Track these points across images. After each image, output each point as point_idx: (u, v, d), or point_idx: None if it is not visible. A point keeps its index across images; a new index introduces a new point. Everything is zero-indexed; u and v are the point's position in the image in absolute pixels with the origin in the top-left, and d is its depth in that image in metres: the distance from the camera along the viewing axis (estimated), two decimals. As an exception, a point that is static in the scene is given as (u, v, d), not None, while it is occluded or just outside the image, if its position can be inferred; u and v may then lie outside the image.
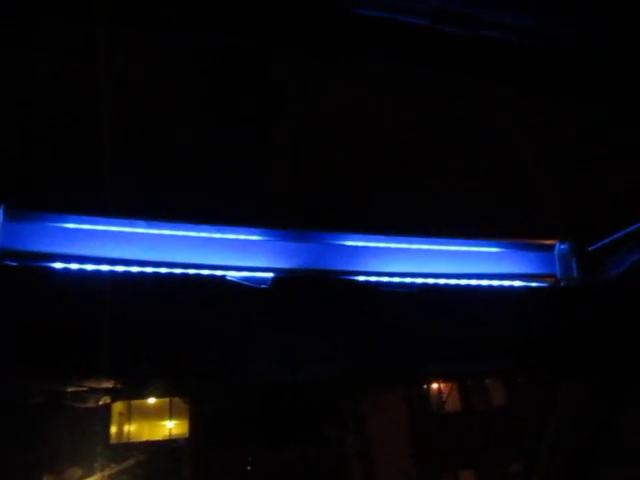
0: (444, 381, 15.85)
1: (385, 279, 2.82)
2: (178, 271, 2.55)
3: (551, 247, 3.17)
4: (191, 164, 2.72)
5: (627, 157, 3.17)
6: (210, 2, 2.33)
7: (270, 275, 2.64)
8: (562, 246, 3.17)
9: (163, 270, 2.53)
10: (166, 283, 2.52)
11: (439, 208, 3.07)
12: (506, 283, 3.06)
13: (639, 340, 3.10)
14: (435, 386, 16.43)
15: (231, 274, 2.60)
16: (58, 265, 2.40)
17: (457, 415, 16.19)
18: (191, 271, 2.57)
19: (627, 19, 2.40)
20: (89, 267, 2.44)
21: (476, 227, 3.08)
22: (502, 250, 3.12)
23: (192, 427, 14.72)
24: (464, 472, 15.74)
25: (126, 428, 17.60)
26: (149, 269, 2.52)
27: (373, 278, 2.82)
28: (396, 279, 2.84)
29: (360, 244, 2.88)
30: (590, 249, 3.17)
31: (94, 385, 3.02)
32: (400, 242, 2.94)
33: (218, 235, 2.68)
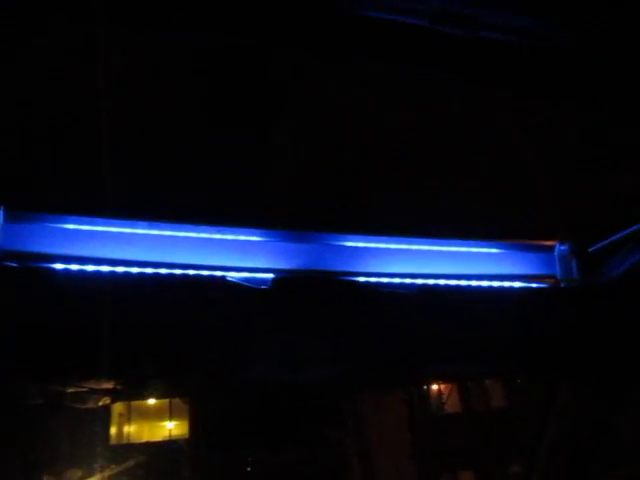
0: (444, 382, 15.84)
1: (385, 280, 2.82)
2: (178, 272, 2.55)
3: (551, 248, 3.17)
4: (191, 164, 2.72)
5: (627, 158, 3.17)
6: (210, 3, 2.33)
7: (270, 276, 2.64)
8: (562, 247, 3.16)
9: (163, 271, 2.53)
10: (166, 284, 2.52)
11: (439, 209, 3.07)
12: (506, 284, 3.05)
13: (639, 341, 3.09)
14: (435, 387, 16.42)
15: (231, 275, 2.60)
16: (58, 266, 2.40)
17: (457, 416, 16.19)
18: (191, 272, 2.57)
19: (627, 19, 2.40)
20: (89, 268, 2.44)
21: (476, 228, 3.08)
22: (502, 251, 3.12)
23: (192, 428, 14.71)
24: (464, 473, 15.73)
25: (126, 429, 17.58)
26: (149, 270, 2.51)
27: (373, 279, 2.82)
28: (396, 280, 2.84)
29: (360, 245, 2.88)
30: (590, 250, 3.17)
31: (94, 386, 3.01)
32: (400, 243, 2.94)
33: (218, 236, 2.68)
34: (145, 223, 2.58)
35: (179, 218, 2.63)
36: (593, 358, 3.21)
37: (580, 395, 3.58)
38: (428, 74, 2.73)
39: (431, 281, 2.91)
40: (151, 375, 2.85)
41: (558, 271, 3.14)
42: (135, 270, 2.49)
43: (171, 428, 17.44)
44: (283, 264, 2.71)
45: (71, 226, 2.49)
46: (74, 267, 2.41)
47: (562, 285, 3.13)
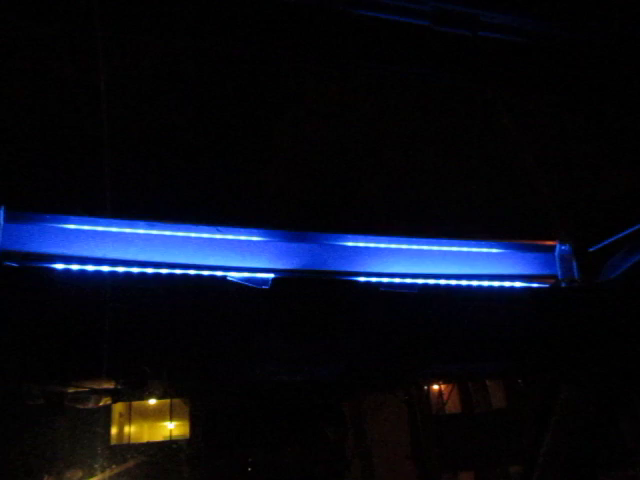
0: (444, 382, 15.85)
1: (386, 280, 2.82)
2: (179, 272, 2.55)
3: (552, 248, 3.17)
4: (191, 164, 2.72)
5: (627, 158, 3.17)
6: (211, 8, 2.33)
7: (271, 276, 2.64)
8: (563, 247, 3.17)
9: (164, 271, 2.53)
10: (167, 284, 2.52)
11: (439, 209, 3.07)
12: (507, 284, 3.05)
13: (639, 341, 3.09)
14: (435, 387, 16.42)
15: (232, 275, 2.60)
16: (59, 266, 2.40)
17: (457, 417, 16.19)
18: (192, 272, 2.57)
19: (627, 20, 2.40)
20: (90, 268, 2.44)
21: (477, 228, 3.08)
22: (503, 251, 3.12)
23: (192, 428, 14.72)
24: (464, 474, 15.73)
25: (126, 429, 17.59)
26: (150, 270, 2.52)
27: (374, 279, 2.82)
28: (396, 280, 2.84)
29: (360, 245, 2.88)
30: (590, 250, 3.17)
31: (94, 386, 3.02)
32: (400, 243, 2.94)
33: (218, 236, 2.68)
34: (145, 223, 2.58)
35: (179, 218, 2.63)
36: (593, 358, 3.21)
37: (580, 395, 3.58)
38: (428, 74, 2.73)
39: (431, 281, 2.91)
40: (151, 375, 2.85)
41: (558, 271, 3.14)
42: (135, 270, 2.50)
43: (172, 428, 17.44)
44: (284, 264, 2.71)
45: (71, 226, 2.49)
46: (74, 267, 2.41)
47: (562, 285, 3.13)
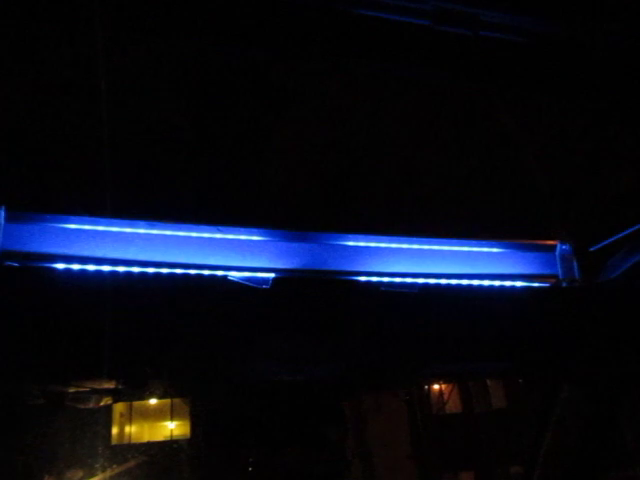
0: (445, 382, 15.85)
1: (386, 279, 2.82)
2: (179, 271, 2.55)
3: (552, 248, 3.17)
4: (192, 164, 2.72)
5: (627, 158, 3.17)
6: (212, 8, 2.33)
7: (271, 275, 2.64)
8: (563, 247, 3.17)
9: (164, 270, 2.53)
10: (167, 283, 2.52)
11: (440, 208, 3.07)
12: (507, 283, 3.05)
13: (639, 340, 3.09)
14: (436, 387, 16.43)
15: (232, 274, 2.60)
16: (59, 266, 2.40)
17: (457, 416, 16.19)
18: (192, 271, 2.57)
19: (627, 20, 2.40)
20: (90, 268, 2.44)
21: (477, 227, 3.08)
22: (503, 251, 3.12)
23: (193, 428, 14.72)
24: (464, 473, 15.73)
25: (127, 429, 17.58)
26: (150, 269, 2.52)
27: (374, 278, 2.82)
28: (397, 279, 2.84)
29: (361, 244, 2.88)
30: (591, 250, 3.17)
31: (95, 386, 3.02)
32: (401, 242, 2.94)
33: (219, 235, 2.68)
34: (146, 223, 2.58)
35: (180, 218, 2.63)
36: (593, 358, 3.21)
37: (580, 395, 3.58)
38: (428, 74, 2.73)
39: (432, 281, 2.91)
40: (152, 375, 2.85)
41: (559, 271, 3.14)
42: (136, 270, 2.50)
43: (172, 428, 17.45)
44: (284, 264, 2.71)
45: (72, 226, 2.49)
46: (75, 267, 2.42)
47: (563, 285, 3.13)
